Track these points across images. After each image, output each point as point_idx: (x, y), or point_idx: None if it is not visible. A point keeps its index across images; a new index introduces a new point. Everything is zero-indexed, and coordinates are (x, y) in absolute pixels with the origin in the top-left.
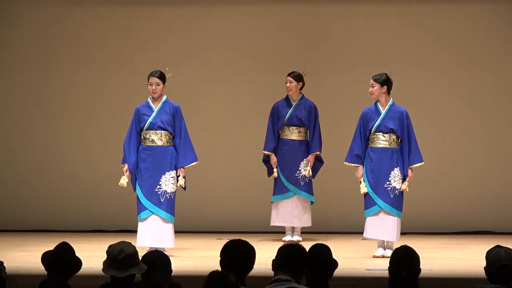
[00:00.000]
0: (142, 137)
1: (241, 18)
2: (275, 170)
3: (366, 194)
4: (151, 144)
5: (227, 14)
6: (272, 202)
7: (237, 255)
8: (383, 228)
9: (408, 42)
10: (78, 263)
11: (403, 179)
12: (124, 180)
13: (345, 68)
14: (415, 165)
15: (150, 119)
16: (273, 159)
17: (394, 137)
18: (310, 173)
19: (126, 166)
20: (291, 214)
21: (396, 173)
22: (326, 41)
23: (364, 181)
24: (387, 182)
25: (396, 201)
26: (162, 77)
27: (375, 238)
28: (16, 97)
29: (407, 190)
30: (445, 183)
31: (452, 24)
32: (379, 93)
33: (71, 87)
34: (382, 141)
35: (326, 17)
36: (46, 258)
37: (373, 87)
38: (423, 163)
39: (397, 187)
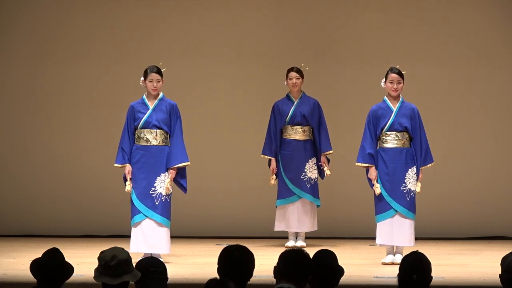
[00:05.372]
0: (136, 136)
1: (239, 11)
2: (272, 177)
3: (379, 198)
4: (145, 144)
5: (225, 6)
6: (276, 206)
7: (235, 262)
8: (400, 233)
9: (415, 37)
10: (69, 269)
11: (416, 180)
12: (130, 186)
13: (348, 65)
14: (427, 166)
15: (145, 117)
16: (273, 164)
17: (407, 136)
18: (328, 172)
19: (128, 168)
20: (296, 219)
21: (410, 175)
22: (328, 35)
23: (378, 182)
24: (403, 185)
25: (411, 204)
26: (161, 72)
27: (391, 244)
28: (4, 95)
29: (420, 191)
30: (458, 186)
31: (464, 19)
32: (401, 90)
33: (63, 84)
34: (395, 140)
35: (329, 11)
36: (35, 266)
37: (399, 83)
38: (434, 162)
39: (412, 189)
